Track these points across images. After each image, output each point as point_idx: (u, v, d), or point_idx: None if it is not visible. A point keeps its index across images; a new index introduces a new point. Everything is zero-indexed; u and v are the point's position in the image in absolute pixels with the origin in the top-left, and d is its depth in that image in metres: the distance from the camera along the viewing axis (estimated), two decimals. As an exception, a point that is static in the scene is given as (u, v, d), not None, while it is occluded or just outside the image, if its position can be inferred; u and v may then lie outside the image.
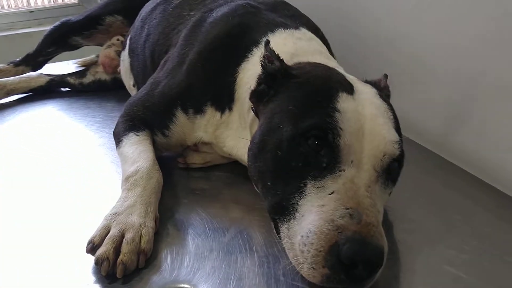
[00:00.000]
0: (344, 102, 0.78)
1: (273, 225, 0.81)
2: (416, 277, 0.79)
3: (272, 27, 1.03)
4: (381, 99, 0.84)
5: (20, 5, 2.84)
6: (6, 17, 2.74)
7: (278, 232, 0.79)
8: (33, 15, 2.76)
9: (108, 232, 0.80)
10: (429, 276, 0.79)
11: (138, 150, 0.98)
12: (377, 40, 1.48)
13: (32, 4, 2.86)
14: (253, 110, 0.91)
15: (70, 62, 1.90)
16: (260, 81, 0.89)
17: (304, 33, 1.04)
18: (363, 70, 1.03)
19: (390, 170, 0.78)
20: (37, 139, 1.28)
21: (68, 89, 1.68)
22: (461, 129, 1.21)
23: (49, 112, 1.50)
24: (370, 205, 0.71)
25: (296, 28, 1.05)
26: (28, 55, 1.74)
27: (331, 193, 0.72)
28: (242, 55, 1.00)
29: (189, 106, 1.03)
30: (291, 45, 0.98)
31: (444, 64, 1.24)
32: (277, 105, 0.84)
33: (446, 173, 1.14)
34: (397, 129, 0.82)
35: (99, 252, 0.76)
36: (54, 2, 2.90)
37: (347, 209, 0.69)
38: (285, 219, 0.76)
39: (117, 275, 0.75)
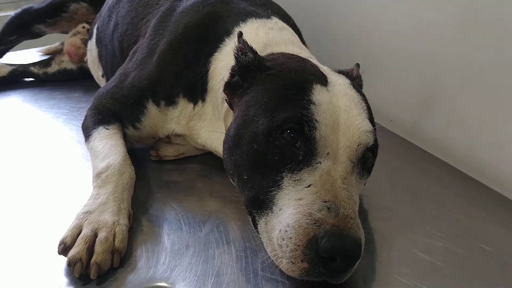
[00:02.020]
0: (318, 94, 0.77)
1: (250, 219, 0.80)
2: (392, 265, 0.80)
3: (244, 16, 1.01)
4: (354, 90, 0.84)
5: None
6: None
7: (255, 226, 0.78)
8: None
9: (80, 231, 0.77)
10: (405, 264, 0.81)
11: (109, 145, 0.95)
12: (349, 29, 1.48)
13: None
14: (227, 102, 0.90)
15: (34, 50, 1.83)
16: (234, 72, 0.87)
17: (276, 22, 1.03)
18: (335, 59, 1.04)
19: (365, 160, 0.79)
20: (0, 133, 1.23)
21: (31, 79, 1.62)
22: (431, 115, 1.23)
23: (13, 104, 1.44)
24: (347, 197, 0.71)
25: (268, 17, 1.03)
26: (-12, 44, 1.66)
27: (308, 186, 0.72)
28: (214, 45, 0.98)
29: (160, 98, 1.01)
30: (263, 36, 0.96)
31: (414, 51, 1.26)
32: (251, 97, 0.82)
33: (418, 160, 1.15)
34: (371, 119, 0.83)
35: (72, 253, 0.74)
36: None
37: (325, 202, 0.69)
38: (262, 213, 0.75)
39: (91, 276, 0.73)
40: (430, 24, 1.19)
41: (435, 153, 1.17)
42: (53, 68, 1.60)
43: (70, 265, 0.73)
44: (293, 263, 0.68)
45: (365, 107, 0.83)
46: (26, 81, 1.62)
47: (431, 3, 1.18)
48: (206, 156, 1.09)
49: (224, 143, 0.86)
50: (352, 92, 0.83)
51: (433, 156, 1.16)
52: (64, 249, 0.75)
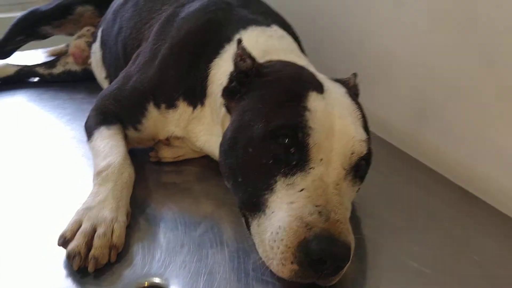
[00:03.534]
0: (314, 101, 0.80)
1: (243, 221, 0.83)
2: (381, 272, 0.83)
3: (244, 23, 1.04)
4: (350, 98, 0.87)
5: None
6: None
7: (248, 228, 0.81)
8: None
9: (80, 226, 0.80)
10: (394, 271, 0.83)
11: (110, 145, 0.98)
12: (347, 38, 1.51)
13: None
14: (225, 107, 0.93)
15: (40, 50, 1.86)
16: (232, 78, 0.90)
17: (275, 30, 1.06)
18: (333, 68, 1.06)
19: (358, 168, 0.81)
20: (4, 131, 1.26)
21: (37, 79, 1.65)
22: (426, 126, 1.25)
23: (18, 103, 1.47)
24: (338, 203, 0.74)
25: (268, 25, 1.06)
26: (-5, 44, 1.70)
27: (300, 190, 0.74)
28: (214, 51, 1.01)
29: (161, 101, 1.04)
30: (263, 43, 1.00)
31: (410, 61, 1.28)
32: (248, 103, 0.85)
33: (411, 170, 1.18)
34: (365, 128, 0.85)
35: (71, 246, 0.77)
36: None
37: (316, 206, 0.72)
38: (255, 215, 0.78)
39: (89, 270, 0.76)
40: (426, 34, 1.22)
41: (428, 163, 1.19)
42: (58, 69, 1.63)
43: (69, 258, 0.76)
44: (283, 264, 0.71)
45: (360, 116, 0.85)
46: (32, 81, 1.65)
47: (427, 13, 1.21)
48: (204, 159, 1.12)
49: (220, 146, 0.89)
50: (347, 100, 0.86)
51: (426, 167, 1.19)
52: (64, 242, 0.78)
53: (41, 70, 1.62)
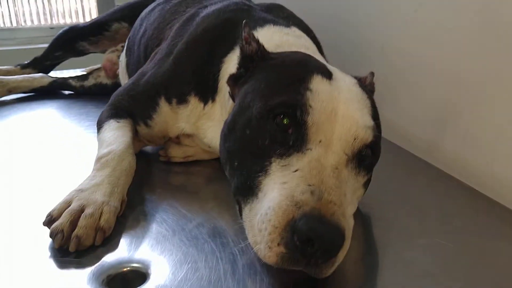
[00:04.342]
0: (318, 83, 0.75)
1: (237, 208, 0.77)
2: (388, 273, 0.73)
3: (262, 22, 1.02)
4: (360, 88, 0.81)
5: (43, 22, 2.93)
6: (27, 32, 2.83)
7: (241, 215, 0.75)
8: (53, 31, 2.83)
9: (69, 207, 0.77)
10: (402, 273, 0.73)
11: (115, 135, 0.96)
12: (367, 44, 1.47)
13: (54, 22, 2.95)
14: (230, 95, 0.89)
15: (78, 70, 1.93)
16: (239, 65, 0.87)
17: (294, 30, 1.03)
18: (352, 74, 1.01)
19: (362, 157, 0.74)
20: (30, 137, 1.27)
21: (70, 92, 1.70)
22: (444, 132, 1.17)
23: (47, 112, 1.50)
24: (334, 185, 0.66)
25: (287, 26, 1.04)
26: (35, 59, 1.78)
27: (295, 171, 0.68)
28: (229, 47, 1.00)
29: (172, 96, 1.02)
30: (277, 39, 0.97)
31: (431, 68, 1.22)
32: (250, 85, 0.81)
33: (430, 178, 1.09)
34: (374, 117, 0.78)
35: (55, 224, 0.74)
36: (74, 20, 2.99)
37: (309, 185, 0.65)
38: (248, 200, 0.72)
39: (69, 248, 0.72)
40: (448, 39, 1.16)
41: (449, 171, 1.09)
42: (90, 81, 1.67)
43: (52, 235, 0.73)
44: (269, 248, 0.63)
45: (368, 105, 0.79)
46: (64, 94, 1.70)
47: (450, 17, 1.15)
48: (215, 162, 1.08)
49: (221, 132, 0.84)
50: (357, 89, 0.80)
51: (447, 175, 1.09)
52: (49, 221, 0.75)
53: (73, 83, 1.67)
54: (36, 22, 2.91)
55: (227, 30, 1.02)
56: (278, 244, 0.62)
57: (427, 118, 1.24)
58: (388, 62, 1.37)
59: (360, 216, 0.77)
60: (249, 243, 0.69)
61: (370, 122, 0.75)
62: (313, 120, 0.71)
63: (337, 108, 0.73)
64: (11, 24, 2.85)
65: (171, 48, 1.06)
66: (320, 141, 0.71)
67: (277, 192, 0.66)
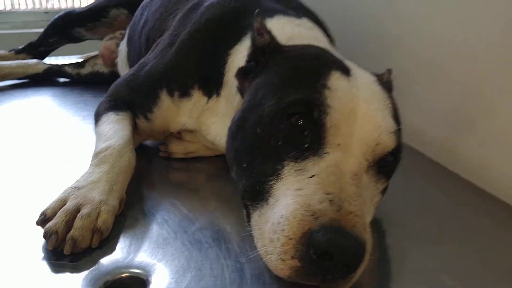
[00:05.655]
0: (336, 80, 0.70)
1: (244, 213, 0.72)
2: (405, 284, 0.69)
3: (271, 13, 0.96)
4: (380, 86, 0.76)
5: (37, 6, 2.85)
6: (21, 16, 2.75)
7: (249, 221, 0.70)
8: (48, 16, 2.76)
9: (64, 205, 0.72)
10: (419, 284, 0.69)
11: (114, 129, 0.91)
12: (380, 42, 1.42)
13: (49, 6, 2.87)
14: (238, 89, 0.84)
15: (74, 57, 1.86)
16: (249, 58, 0.82)
17: (304, 22, 0.97)
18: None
19: (383, 163, 0.69)
20: (24, 127, 1.21)
21: (66, 79, 1.63)
22: (464, 137, 1.12)
23: (41, 100, 1.45)
24: (354, 194, 0.61)
25: (298, 17, 0.98)
26: (30, 44, 1.72)
27: (311, 177, 0.63)
28: (236, 38, 0.94)
29: (174, 88, 0.96)
30: (289, 30, 0.91)
31: (449, 68, 1.17)
32: (262, 80, 0.76)
33: (447, 182, 1.04)
34: (396, 118, 0.73)
35: (49, 224, 0.68)
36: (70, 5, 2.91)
37: (327, 194, 0.60)
38: (257, 205, 0.67)
39: (64, 251, 0.67)
40: (467, 41, 1.11)
41: (466, 176, 1.05)
42: (86, 69, 1.61)
43: (46, 236, 0.68)
44: (282, 260, 0.58)
45: (389, 105, 0.73)
46: (60, 81, 1.64)
47: (468, 22, 1.10)
48: (217, 159, 1.03)
49: (228, 129, 0.79)
50: (377, 87, 0.75)
51: (464, 179, 1.04)
52: (43, 220, 0.70)
53: (69, 70, 1.61)
54: (30, 6, 2.82)
55: (233, 20, 0.96)
56: (292, 257, 0.57)
57: (443, 121, 1.19)
58: (403, 60, 1.31)
59: (374, 222, 0.72)
60: (257, 252, 0.64)
61: (393, 125, 0.70)
62: (332, 121, 0.65)
63: (357, 108, 0.68)
64: (5, 7, 2.76)
65: (173, 38, 1.00)
66: (338, 145, 0.66)
67: (291, 199, 0.61)
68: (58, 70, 1.60)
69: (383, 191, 0.74)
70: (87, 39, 1.71)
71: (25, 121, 1.26)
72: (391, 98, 0.76)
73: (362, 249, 0.57)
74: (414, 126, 1.24)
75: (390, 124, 0.70)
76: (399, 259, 0.74)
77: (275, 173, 0.66)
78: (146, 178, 0.95)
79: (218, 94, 0.94)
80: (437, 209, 0.91)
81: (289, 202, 0.61)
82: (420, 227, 0.84)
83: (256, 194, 0.67)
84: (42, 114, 1.32)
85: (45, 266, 0.66)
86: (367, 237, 0.60)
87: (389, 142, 0.68)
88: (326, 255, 0.55)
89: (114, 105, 0.99)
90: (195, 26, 0.98)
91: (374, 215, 0.73)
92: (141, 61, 1.05)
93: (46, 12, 2.79)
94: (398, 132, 0.70)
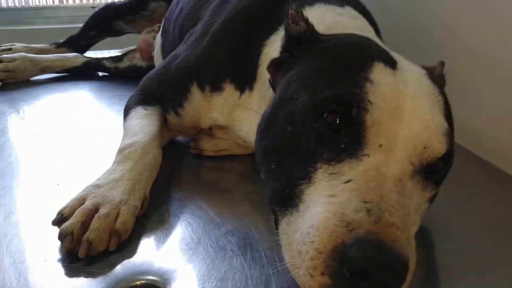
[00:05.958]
0: (379, 73, 0.61)
1: (273, 219, 0.65)
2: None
3: (311, 1, 0.89)
4: (430, 81, 0.66)
5: (85, 1, 2.89)
6: (69, 11, 2.80)
7: (277, 228, 0.63)
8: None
9: (82, 204, 0.67)
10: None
11: (142, 124, 0.86)
12: (431, 35, 1.31)
13: (97, 1, 2.90)
14: (269, 82, 0.77)
15: (113, 51, 1.85)
16: (283, 48, 0.74)
17: (348, 10, 0.89)
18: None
19: (432, 169, 0.60)
20: (59, 120, 1.20)
21: (104, 73, 1.62)
22: None
23: (79, 94, 1.44)
24: (397, 203, 0.53)
25: (341, 5, 0.90)
26: (71, 37, 1.73)
27: (347, 182, 0.55)
28: (272, 28, 0.87)
29: (205, 82, 0.91)
30: (329, 19, 0.83)
31: (508, 64, 1.04)
32: (295, 72, 0.68)
33: (504, 187, 0.92)
34: (448, 118, 0.64)
35: (65, 224, 0.64)
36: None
37: (365, 202, 0.52)
38: (286, 211, 0.60)
39: (79, 254, 0.62)
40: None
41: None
42: (124, 63, 1.59)
43: (60, 238, 0.64)
44: (311, 275, 0.51)
45: (441, 102, 0.64)
46: (99, 75, 1.63)
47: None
48: (250, 157, 0.96)
49: (258, 126, 0.72)
50: (427, 81, 0.66)
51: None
52: (59, 220, 0.66)
53: (107, 63, 1.59)
54: (77, 1, 2.86)
55: (270, 9, 0.89)
56: (322, 273, 0.50)
57: (500, 121, 1.08)
58: (455, 58, 1.20)
59: (420, 233, 0.63)
60: (285, 264, 0.57)
61: (444, 126, 0.60)
62: (373, 118, 0.57)
63: (403, 105, 0.59)
64: (53, 2, 2.81)
65: (206, 29, 0.94)
66: (380, 146, 0.57)
67: (323, 207, 0.54)
68: (96, 64, 1.59)
69: (431, 199, 0.65)
70: (127, 33, 1.70)
71: (61, 114, 1.24)
72: (443, 94, 0.66)
73: (404, 267, 0.49)
74: (470, 127, 1.13)
75: (441, 124, 0.61)
76: (449, 281, 0.65)
77: (306, 177, 0.59)
78: (175, 176, 0.91)
79: (251, 88, 0.88)
80: (495, 221, 0.80)
81: (320, 210, 0.54)
82: (479, 244, 0.73)
83: (285, 199, 0.60)
84: (78, 107, 1.31)
85: (58, 269, 0.62)
86: (411, 253, 0.52)
87: (439, 146, 0.59)
88: (361, 273, 0.48)
89: (144, 99, 0.95)
90: (229, 16, 0.92)
91: (420, 226, 0.64)
92: (173, 53, 1.00)
93: (93, 7, 2.81)
94: (450, 133, 0.61)
